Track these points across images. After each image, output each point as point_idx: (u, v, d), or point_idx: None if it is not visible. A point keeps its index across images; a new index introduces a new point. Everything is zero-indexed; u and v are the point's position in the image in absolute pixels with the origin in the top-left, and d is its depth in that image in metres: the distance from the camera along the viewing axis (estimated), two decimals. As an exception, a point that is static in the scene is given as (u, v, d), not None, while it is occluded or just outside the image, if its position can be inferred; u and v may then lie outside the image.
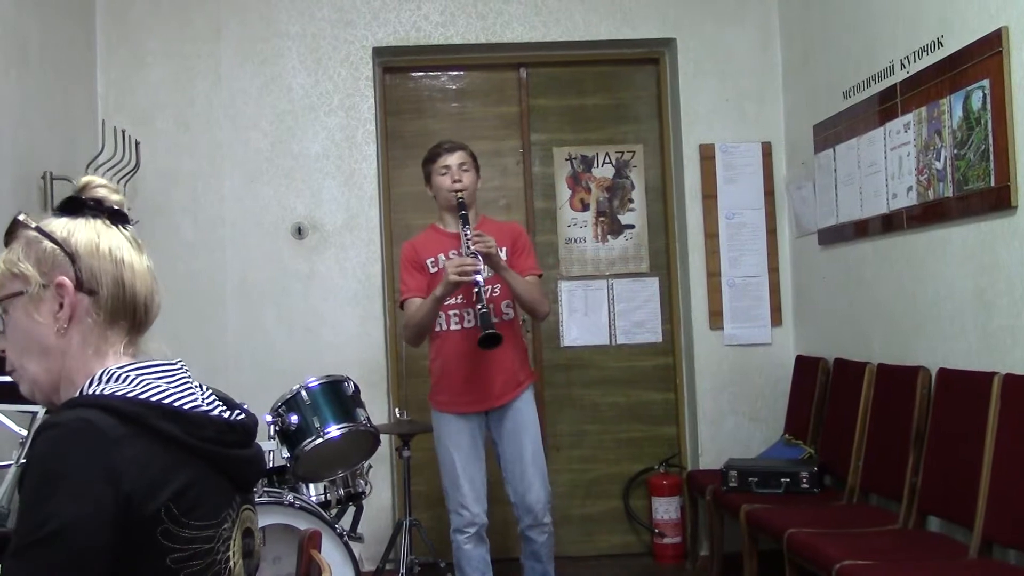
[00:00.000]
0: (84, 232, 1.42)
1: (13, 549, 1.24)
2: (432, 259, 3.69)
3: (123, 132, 4.37)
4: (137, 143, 4.43)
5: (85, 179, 1.49)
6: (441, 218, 3.79)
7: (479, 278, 3.45)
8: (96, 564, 1.23)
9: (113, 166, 4.28)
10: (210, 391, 1.48)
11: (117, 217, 1.47)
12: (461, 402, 3.66)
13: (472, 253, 3.47)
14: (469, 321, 3.61)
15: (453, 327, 3.65)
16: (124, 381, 1.36)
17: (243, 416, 1.48)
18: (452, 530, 3.67)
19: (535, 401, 3.76)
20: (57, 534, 1.21)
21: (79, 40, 4.49)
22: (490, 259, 3.52)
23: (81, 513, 1.22)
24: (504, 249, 3.66)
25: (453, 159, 3.68)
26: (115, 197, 1.48)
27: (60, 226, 1.43)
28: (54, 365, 1.41)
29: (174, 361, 1.45)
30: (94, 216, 1.44)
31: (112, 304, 1.41)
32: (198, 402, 1.41)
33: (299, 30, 4.77)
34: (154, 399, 1.34)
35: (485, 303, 3.44)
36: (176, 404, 1.35)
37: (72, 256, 1.40)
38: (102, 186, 1.48)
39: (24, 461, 1.33)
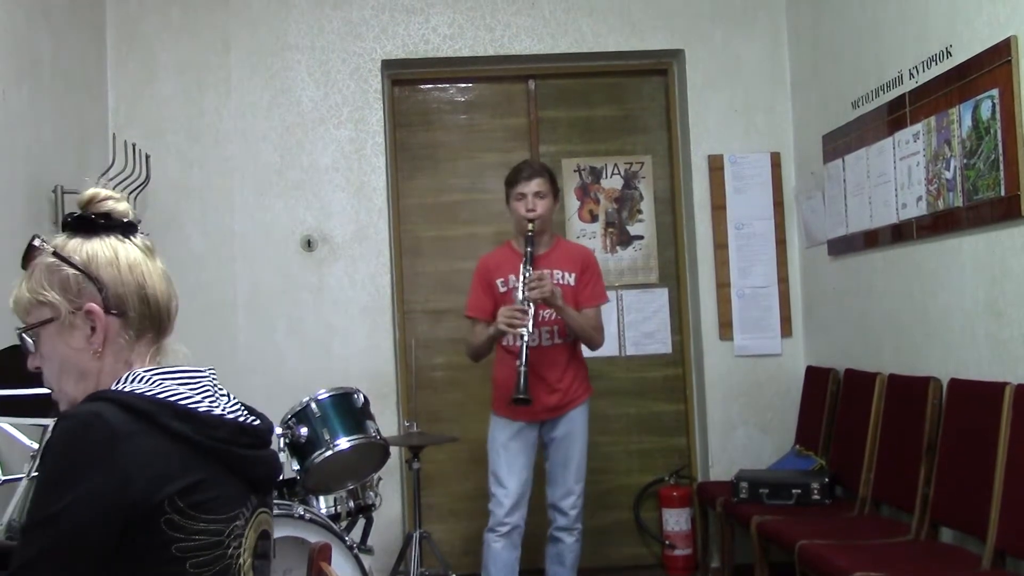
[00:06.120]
0: (102, 253, 1.44)
1: (23, 528, 1.34)
2: (502, 279, 3.79)
3: (133, 145, 4.38)
4: (147, 156, 4.45)
5: (90, 192, 1.49)
6: (516, 238, 3.88)
7: (525, 332, 3.52)
8: (90, 546, 1.29)
9: (124, 179, 4.29)
10: (237, 401, 1.52)
11: (128, 229, 1.49)
12: (519, 411, 3.73)
13: (525, 300, 3.55)
14: (534, 340, 3.65)
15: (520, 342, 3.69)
16: (144, 382, 1.41)
17: (257, 421, 1.52)
18: (486, 529, 3.78)
19: (588, 415, 3.88)
20: (55, 517, 1.28)
21: (90, 54, 4.52)
22: (547, 302, 3.60)
23: (78, 499, 1.28)
24: (573, 275, 3.78)
25: (530, 187, 3.74)
26: (121, 207, 1.50)
27: (76, 248, 1.44)
28: (91, 384, 1.45)
29: (203, 369, 1.50)
30: (107, 233, 1.47)
31: (140, 321, 1.46)
32: (217, 408, 1.44)
33: (308, 43, 4.80)
34: (168, 399, 1.38)
35: (526, 361, 3.51)
36: (190, 406, 1.40)
37: (96, 280, 1.43)
38: (108, 198, 1.49)
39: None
